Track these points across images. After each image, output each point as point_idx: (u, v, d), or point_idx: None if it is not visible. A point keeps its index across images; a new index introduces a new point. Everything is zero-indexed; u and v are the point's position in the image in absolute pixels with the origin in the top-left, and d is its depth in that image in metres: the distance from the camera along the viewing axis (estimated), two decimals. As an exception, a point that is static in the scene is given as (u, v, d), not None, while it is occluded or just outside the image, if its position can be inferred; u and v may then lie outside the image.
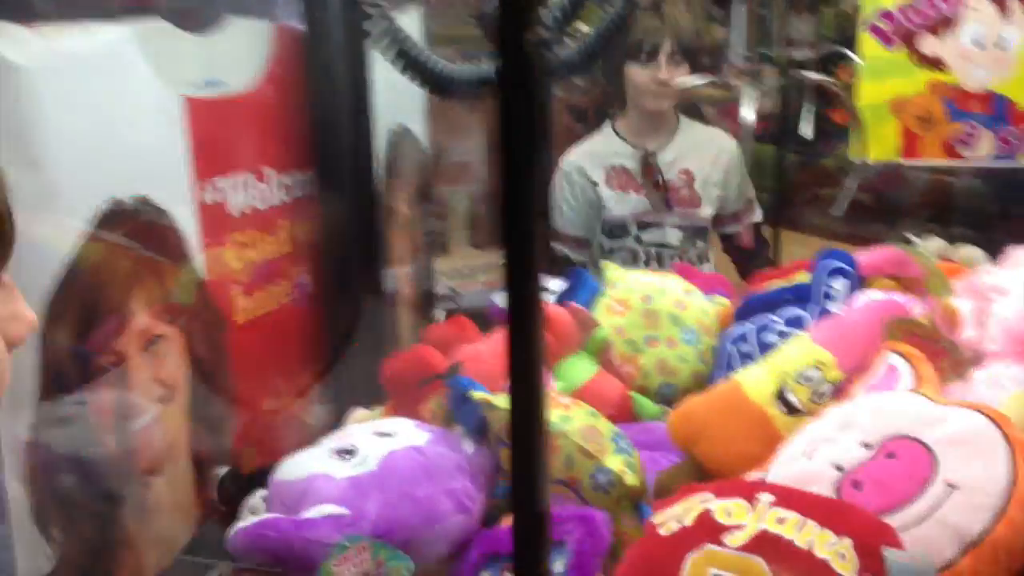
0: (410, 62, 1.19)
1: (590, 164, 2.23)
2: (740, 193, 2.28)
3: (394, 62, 1.19)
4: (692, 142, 2.24)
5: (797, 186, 2.67)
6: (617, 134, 2.26)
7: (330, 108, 1.47)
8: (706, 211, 2.23)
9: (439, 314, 2.02)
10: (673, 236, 2.22)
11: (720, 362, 1.35)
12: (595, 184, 2.22)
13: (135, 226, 1.20)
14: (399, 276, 1.88)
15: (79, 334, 1.13)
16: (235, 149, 1.37)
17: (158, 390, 1.25)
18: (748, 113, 2.08)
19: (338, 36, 1.42)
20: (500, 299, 1.75)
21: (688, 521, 0.93)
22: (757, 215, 2.33)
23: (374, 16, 1.18)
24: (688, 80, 2.10)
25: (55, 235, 1.11)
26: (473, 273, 2.85)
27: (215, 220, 1.35)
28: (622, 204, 2.21)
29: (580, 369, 1.50)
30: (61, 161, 1.08)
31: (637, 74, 2.13)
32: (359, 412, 1.48)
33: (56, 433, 1.12)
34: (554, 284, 1.79)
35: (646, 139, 2.22)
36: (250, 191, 1.40)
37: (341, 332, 1.63)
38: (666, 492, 1.08)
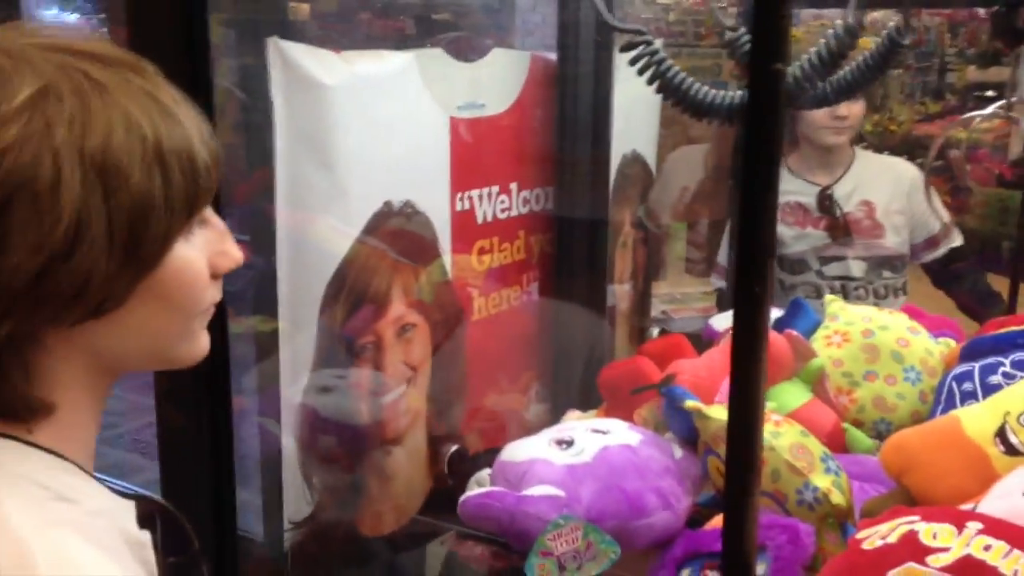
0: (670, 86, 1.28)
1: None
2: (929, 217, 2.21)
3: (655, 85, 1.29)
4: (870, 172, 2.21)
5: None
6: (791, 171, 2.25)
7: (573, 132, 1.60)
8: (891, 240, 2.18)
9: (653, 332, 2.10)
10: (857, 268, 2.20)
11: (941, 399, 1.34)
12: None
13: (399, 225, 1.38)
14: (619, 293, 1.98)
15: (347, 316, 1.32)
16: (487, 164, 1.53)
17: (405, 371, 1.42)
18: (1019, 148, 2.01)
19: (587, 65, 1.55)
20: (717, 322, 1.82)
21: (892, 539, 0.95)
22: (956, 240, 2.25)
23: (637, 41, 1.29)
24: (973, 113, 2.07)
25: (335, 236, 1.31)
26: (685, 300, 2.90)
27: (464, 226, 1.51)
28: (800, 240, 2.21)
29: (793, 395, 1.52)
30: (350, 165, 1.27)
31: (813, 111, 2.13)
32: (574, 413, 1.59)
33: (323, 399, 1.31)
34: (773, 312, 1.82)
35: (820, 174, 2.21)
36: (495, 202, 1.56)
37: (563, 339, 1.75)
38: (860, 523, 1.10)
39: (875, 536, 0.97)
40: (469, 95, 1.47)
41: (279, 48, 1.15)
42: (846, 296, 2.17)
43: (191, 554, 0.92)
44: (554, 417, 1.60)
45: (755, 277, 0.64)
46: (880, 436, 1.49)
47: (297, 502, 1.27)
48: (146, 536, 0.70)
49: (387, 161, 1.33)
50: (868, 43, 1.86)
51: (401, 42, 1.37)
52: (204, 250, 0.68)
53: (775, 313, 1.80)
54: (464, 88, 1.46)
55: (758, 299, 0.64)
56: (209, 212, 0.69)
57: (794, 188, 2.24)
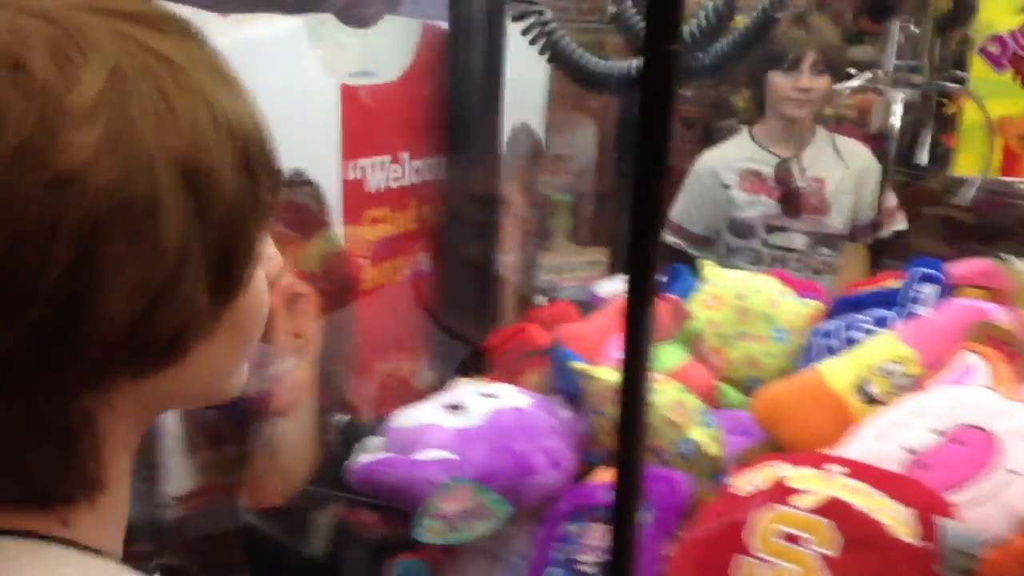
0: (562, 56, 1.31)
1: (723, 167, 2.32)
2: (876, 202, 2.32)
3: (546, 56, 1.32)
4: (826, 151, 2.31)
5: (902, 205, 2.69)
6: (754, 140, 2.34)
7: (465, 102, 1.62)
8: (835, 219, 2.29)
9: (540, 300, 2.14)
10: (799, 241, 2.30)
11: (806, 354, 1.43)
12: (727, 187, 2.30)
13: (288, 194, 1.37)
14: (507, 263, 2.02)
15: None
16: (378, 133, 1.53)
17: (294, 342, 1.41)
18: (895, 121, 2.12)
19: (478, 35, 1.57)
20: (601, 289, 1.88)
21: (762, 484, 1.02)
22: (900, 223, 2.36)
23: (528, 11, 1.31)
24: (842, 85, 2.17)
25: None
26: (571, 269, 2.97)
27: (355, 196, 1.51)
28: (752, 207, 2.29)
29: (671, 355, 1.59)
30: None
31: (779, 82, 2.21)
32: (460, 380, 1.62)
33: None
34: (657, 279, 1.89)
35: (783, 146, 2.30)
36: (386, 172, 1.56)
37: (450, 307, 1.77)
38: (731, 470, 1.17)
39: (746, 482, 1.04)
40: (360, 63, 1.46)
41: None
42: (784, 267, 2.25)
43: None
44: (443, 385, 1.62)
45: (646, 246, 0.68)
46: (751, 393, 1.58)
47: (181, 477, 1.26)
48: None
49: (275, 129, 1.31)
50: (739, 20, 1.94)
51: (287, 7, 1.35)
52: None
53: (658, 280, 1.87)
54: (355, 55, 1.45)
55: (648, 265, 0.69)
56: None
57: (755, 156, 2.31)
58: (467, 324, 1.77)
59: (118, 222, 0.44)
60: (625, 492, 0.78)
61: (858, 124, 4.36)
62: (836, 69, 2.21)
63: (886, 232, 2.37)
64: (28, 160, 0.42)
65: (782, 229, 2.29)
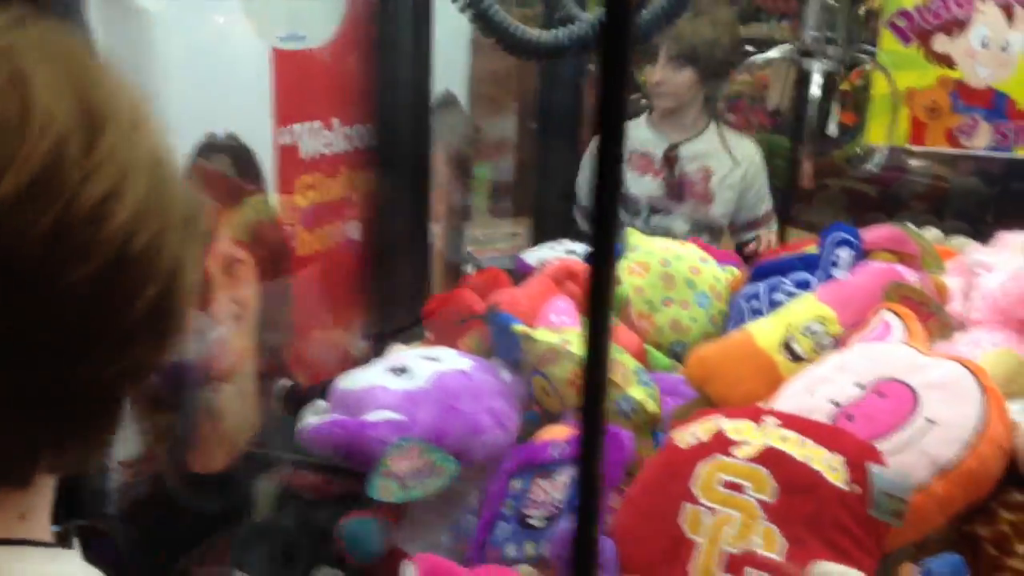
0: (492, 24, 1.32)
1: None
2: (758, 202, 2.42)
3: (477, 24, 1.33)
4: (717, 144, 2.39)
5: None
6: (648, 122, 2.42)
7: (393, 68, 1.62)
8: (717, 210, 2.39)
9: (468, 269, 2.17)
10: (679, 226, 2.38)
11: (733, 316, 1.51)
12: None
13: (225, 158, 1.35)
14: (436, 232, 2.03)
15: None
16: (310, 98, 1.51)
17: (233, 308, 1.39)
18: (815, 90, 2.20)
19: (406, 5, 1.57)
20: (529, 257, 1.92)
21: (703, 436, 1.08)
22: (772, 227, 2.46)
23: None
24: (761, 56, 2.23)
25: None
26: (491, 241, 3.00)
27: (288, 161, 1.49)
28: (638, 185, 2.37)
29: (602, 321, 1.65)
30: (171, 93, 1.23)
31: (647, 72, 2.30)
32: (397, 346, 1.64)
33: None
34: (579, 247, 1.95)
35: (670, 133, 2.38)
36: (319, 138, 1.55)
37: (383, 274, 1.78)
38: (680, 423, 1.23)
39: (688, 435, 1.10)
40: (290, 26, 1.44)
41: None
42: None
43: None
44: (377, 352, 1.64)
45: (607, 208, 0.71)
46: (676, 356, 1.65)
47: (126, 444, 1.24)
48: None
49: (208, 92, 1.29)
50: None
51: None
52: None
53: (583, 248, 1.93)
54: (284, 18, 1.44)
55: (609, 232, 0.72)
56: None
57: (647, 138, 2.38)
58: (399, 291, 1.79)
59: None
60: (590, 447, 0.82)
61: (755, 101, 4.53)
62: (703, 64, 2.28)
63: (754, 234, 2.44)
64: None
65: (665, 212, 2.38)
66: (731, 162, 2.38)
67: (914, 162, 2.84)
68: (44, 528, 0.57)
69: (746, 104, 4.56)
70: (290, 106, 1.47)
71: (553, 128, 2.52)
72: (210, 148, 1.31)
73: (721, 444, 1.06)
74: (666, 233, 2.37)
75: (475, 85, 2.20)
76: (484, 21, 1.46)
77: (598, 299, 0.78)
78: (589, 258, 0.75)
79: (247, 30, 1.35)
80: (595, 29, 1.46)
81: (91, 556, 0.59)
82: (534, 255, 1.94)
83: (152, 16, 1.16)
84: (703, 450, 1.06)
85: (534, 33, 1.36)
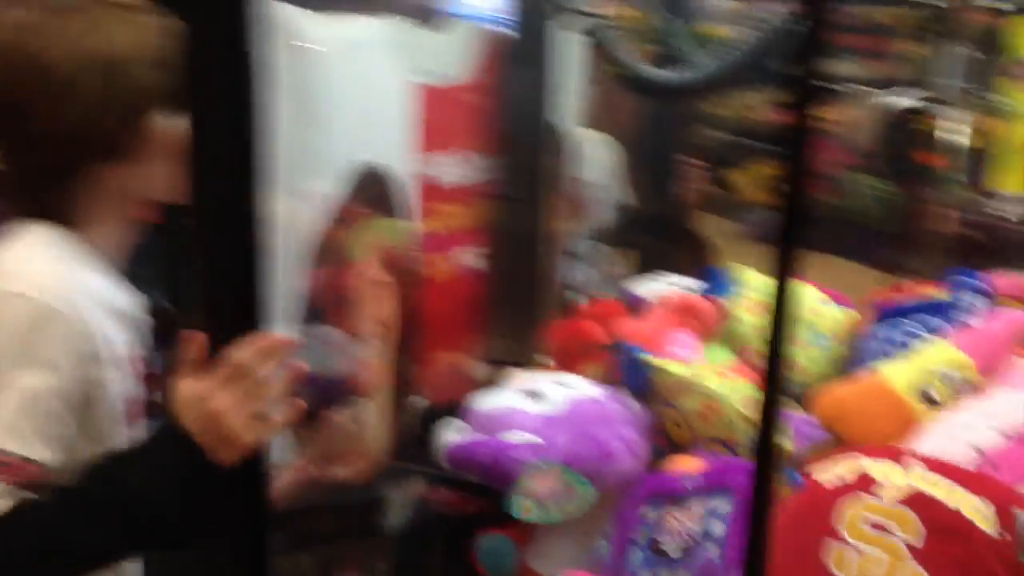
0: (617, 65, 1.38)
1: None
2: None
3: (607, 64, 1.39)
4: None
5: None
6: None
7: (521, 104, 1.68)
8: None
9: (581, 299, 2.22)
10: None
11: (857, 357, 1.52)
12: None
13: (376, 186, 1.43)
14: (550, 262, 2.09)
15: (326, 274, 1.36)
16: (448, 130, 1.59)
17: (377, 328, 1.47)
18: (964, 140, 2.18)
19: (538, 41, 1.64)
20: (639, 289, 1.96)
21: (847, 476, 1.11)
22: None
23: (591, 23, 1.39)
24: (911, 101, 2.24)
25: (317, 195, 1.34)
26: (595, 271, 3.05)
27: (426, 189, 1.57)
28: None
29: (718, 355, 1.68)
30: (331, 125, 1.31)
31: None
32: (516, 372, 1.69)
33: (304, 351, 1.34)
34: (687, 281, 1.98)
35: None
36: (455, 168, 1.62)
37: (504, 301, 1.84)
38: (810, 461, 1.26)
39: (831, 475, 1.13)
40: (433, 63, 1.52)
41: (274, 9, 1.17)
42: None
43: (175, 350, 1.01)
44: (497, 376, 1.69)
45: (790, 248, 0.76)
46: (793, 396, 1.67)
47: (283, 449, 1.31)
48: (144, 320, 0.99)
49: (361, 123, 1.37)
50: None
51: (373, 8, 1.41)
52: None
53: (691, 283, 1.96)
54: (429, 56, 1.52)
55: (792, 262, 0.76)
56: None
57: None
58: (518, 317, 1.84)
59: (38, 85, 0.93)
60: (762, 483, 0.86)
61: (839, 138, 4.50)
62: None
63: None
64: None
65: None
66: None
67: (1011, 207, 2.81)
68: None
69: (832, 143, 4.54)
70: (430, 138, 1.55)
71: (656, 162, 2.57)
72: (363, 177, 1.39)
73: (866, 484, 1.08)
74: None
75: (586, 118, 2.26)
76: (610, 61, 1.52)
77: (777, 335, 0.82)
78: (709, 291, 0.79)
79: (397, 66, 1.43)
80: (724, 71, 1.51)
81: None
82: (643, 287, 1.98)
83: (322, 57, 1.25)
84: (847, 489, 1.09)
85: (662, 74, 1.42)
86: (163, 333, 1.04)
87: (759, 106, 4.28)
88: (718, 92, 1.52)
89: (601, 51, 1.47)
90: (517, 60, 1.71)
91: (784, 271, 0.80)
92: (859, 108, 3.58)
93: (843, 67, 4.16)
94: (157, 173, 0.97)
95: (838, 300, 1.83)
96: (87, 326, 0.90)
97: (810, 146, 0.78)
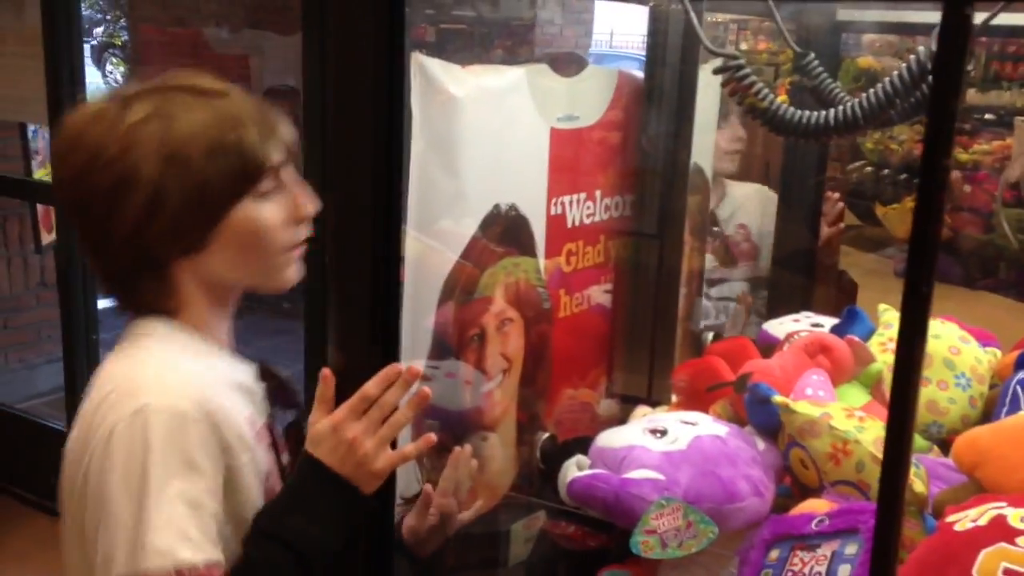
0: (759, 107, 1.39)
1: None
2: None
3: (741, 104, 1.40)
4: (742, 197, 2.34)
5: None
6: None
7: (655, 144, 1.71)
8: (765, 260, 2.31)
9: (707, 335, 2.21)
10: (738, 288, 2.32)
11: (1005, 399, 1.45)
12: None
13: (505, 226, 1.49)
14: (679, 299, 2.09)
15: (458, 310, 1.43)
16: (578, 172, 1.64)
17: (502, 363, 1.52)
18: None
19: (671, 83, 1.66)
20: (771, 328, 1.93)
21: (983, 522, 1.06)
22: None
23: (730, 66, 1.40)
24: None
25: (452, 236, 1.41)
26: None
27: (555, 230, 1.62)
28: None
29: (853, 396, 1.63)
30: (470, 171, 1.38)
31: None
32: (643, 408, 1.70)
33: (434, 386, 1.41)
34: (825, 319, 1.94)
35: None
36: (583, 208, 1.67)
37: (632, 338, 1.86)
38: (946, 508, 1.21)
39: (965, 520, 1.08)
40: (566, 108, 1.58)
41: (419, 62, 1.26)
42: (727, 316, 2.27)
43: (296, 410, 1.14)
44: (623, 412, 1.71)
45: (924, 277, 0.74)
46: (931, 438, 1.61)
47: (408, 479, 1.37)
48: (259, 386, 1.05)
49: (498, 167, 1.43)
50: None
51: (507, 58, 1.47)
52: (279, 204, 1.00)
53: (829, 320, 1.92)
54: (562, 101, 1.57)
55: (925, 298, 0.75)
56: (285, 174, 1.01)
57: None
58: (646, 355, 1.85)
59: (124, 189, 0.97)
60: (887, 527, 0.84)
61: (994, 172, 4.28)
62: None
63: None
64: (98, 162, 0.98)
65: (722, 281, 2.30)
66: (760, 210, 2.33)
67: None
68: None
69: (986, 176, 4.32)
70: (561, 180, 1.60)
71: (791, 200, 2.53)
72: (494, 217, 1.45)
73: (1003, 531, 1.03)
74: (728, 300, 2.32)
75: (719, 157, 2.26)
76: (751, 103, 1.52)
77: (905, 375, 0.81)
78: (901, 331, 0.78)
79: (532, 112, 1.49)
80: (863, 111, 1.48)
81: None
82: (779, 326, 1.95)
83: (459, 101, 1.32)
84: (984, 535, 1.04)
85: (800, 114, 1.41)
86: (278, 394, 1.10)
87: (909, 140, 4.13)
88: (856, 130, 1.48)
89: (738, 89, 1.48)
90: (654, 100, 1.75)
91: (912, 307, 0.79)
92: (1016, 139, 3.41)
93: (1004, 97, 3.95)
94: (243, 258, 1.00)
95: (982, 338, 1.75)
96: (215, 416, 0.93)
97: (942, 181, 0.77)
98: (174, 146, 0.94)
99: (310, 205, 1.02)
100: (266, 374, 1.08)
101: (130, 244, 0.96)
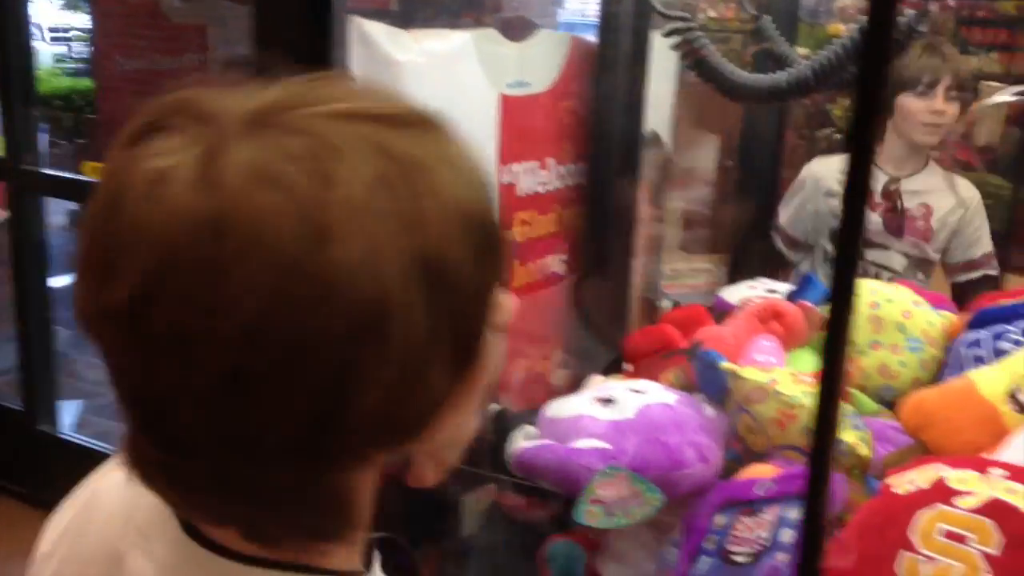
0: (708, 70, 1.37)
1: (831, 176, 2.35)
2: (974, 244, 2.31)
3: (692, 68, 1.38)
4: (937, 181, 2.31)
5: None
6: None
7: (609, 112, 1.69)
8: (935, 247, 2.30)
9: (664, 304, 2.20)
10: (897, 261, 2.30)
11: (953, 362, 1.46)
12: (831, 195, 2.33)
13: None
14: (634, 267, 2.08)
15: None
16: (529, 140, 1.61)
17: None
18: None
19: (624, 48, 1.64)
20: (728, 294, 1.93)
21: (923, 484, 1.06)
22: (993, 269, 2.34)
23: (681, 28, 1.38)
24: (1000, 97, 2.17)
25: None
26: (678, 276, 3.01)
27: (506, 199, 1.59)
28: None
29: (806, 361, 1.63)
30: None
31: (911, 105, 2.22)
32: (597, 378, 1.69)
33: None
34: (780, 285, 1.94)
35: (896, 167, 2.31)
36: (535, 177, 1.64)
37: (586, 307, 1.85)
38: (895, 469, 1.21)
39: (906, 482, 1.08)
40: (517, 74, 1.55)
41: (360, 27, 1.22)
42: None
43: None
44: (577, 382, 1.70)
45: (852, 243, 0.73)
46: (883, 401, 1.61)
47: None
48: None
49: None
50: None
51: (453, 21, 1.44)
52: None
53: (785, 287, 1.92)
54: (512, 67, 1.54)
55: (852, 265, 0.74)
56: None
57: None
58: (600, 323, 1.84)
59: (373, 330, 0.48)
60: (816, 488, 0.83)
61: (963, 139, 4.31)
62: (965, 96, 2.21)
63: (977, 275, 2.33)
64: (295, 276, 0.46)
65: (883, 247, 2.30)
66: (953, 200, 2.29)
67: None
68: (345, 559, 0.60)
69: (958, 144, 4.35)
70: (512, 147, 1.57)
71: (751, 165, 2.52)
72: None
73: (943, 493, 1.04)
74: (882, 267, 2.31)
75: (677, 124, 2.25)
76: (701, 65, 1.51)
77: (835, 337, 0.80)
78: (832, 294, 0.77)
79: (481, 78, 1.46)
80: (815, 72, 1.47)
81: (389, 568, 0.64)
82: (735, 293, 1.95)
83: (403, 66, 1.29)
84: (923, 498, 1.04)
85: (751, 77, 1.39)
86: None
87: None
88: (807, 92, 1.47)
89: (688, 51, 1.46)
90: (607, 65, 1.72)
91: (844, 270, 0.78)
92: (986, 105, 3.42)
93: (971, 63, 3.96)
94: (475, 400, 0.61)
95: (936, 302, 1.76)
96: None
97: (869, 147, 0.75)
98: (429, 244, 0.50)
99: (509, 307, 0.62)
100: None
101: (357, 424, 0.50)
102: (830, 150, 2.67)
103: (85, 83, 6.42)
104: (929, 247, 2.30)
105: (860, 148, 0.75)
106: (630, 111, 1.72)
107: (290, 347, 0.47)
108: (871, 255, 2.30)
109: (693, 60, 1.46)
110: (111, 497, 0.65)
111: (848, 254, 0.77)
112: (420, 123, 0.55)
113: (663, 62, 1.80)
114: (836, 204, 2.33)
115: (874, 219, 2.30)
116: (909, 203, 2.29)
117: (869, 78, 0.73)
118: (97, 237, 0.50)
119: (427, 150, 0.53)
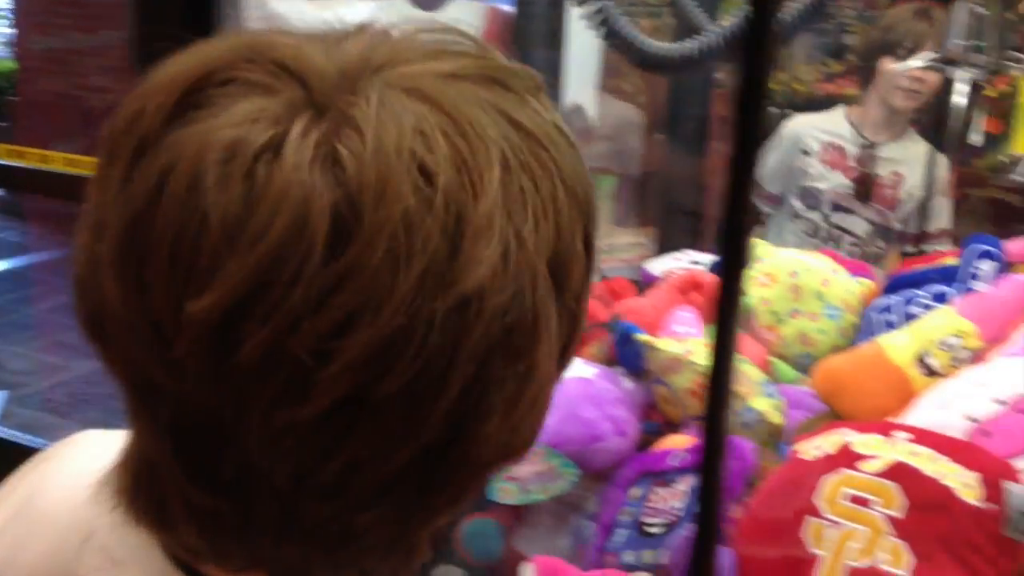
0: (620, 39, 1.35)
1: (808, 134, 2.34)
2: (935, 217, 2.33)
3: (605, 38, 1.36)
4: (913, 153, 2.31)
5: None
6: (847, 119, 2.34)
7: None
8: (899, 216, 2.31)
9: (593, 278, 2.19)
10: (860, 227, 2.31)
11: (865, 328, 1.47)
12: (806, 153, 2.32)
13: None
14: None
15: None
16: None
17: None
18: (960, 99, 2.10)
19: (541, 19, 1.61)
20: (653, 267, 1.92)
21: (829, 449, 1.07)
22: (944, 245, 2.31)
23: None
24: (903, 65, 2.15)
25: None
26: (612, 250, 3.00)
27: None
28: (825, 179, 2.31)
29: (726, 332, 1.64)
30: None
31: (893, 70, 2.21)
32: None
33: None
34: (704, 257, 1.93)
35: (873, 132, 2.30)
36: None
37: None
38: (806, 436, 1.21)
39: (812, 448, 1.09)
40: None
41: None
42: (837, 246, 2.26)
43: None
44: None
45: (740, 212, 0.72)
46: (803, 369, 1.62)
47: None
48: None
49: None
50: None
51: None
52: None
53: (709, 258, 1.91)
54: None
55: (743, 233, 0.72)
56: None
57: (843, 133, 2.31)
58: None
59: (507, 343, 0.40)
60: (712, 457, 0.82)
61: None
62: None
63: (928, 249, 2.31)
64: (433, 283, 0.38)
65: (847, 210, 2.31)
66: (923, 174, 2.29)
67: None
68: None
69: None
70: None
71: (680, 138, 2.52)
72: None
73: (848, 458, 1.04)
74: (844, 231, 2.31)
75: (600, 95, 2.23)
76: (613, 36, 1.48)
77: (726, 307, 0.78)
78: (717, 266, 0.76)
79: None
80: (726, 40, 1.46)
81: None
82: (659, 265, 1.94)
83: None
84: (829, 463, 1.05)
85: (662, 46, 1.37)
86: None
87: (814, 79, 4.19)
88: (720, 59, 1.46)
89: (602, 24, 1.43)
90: (523, 37, 1.69)
91: (732, 237, 0.76)
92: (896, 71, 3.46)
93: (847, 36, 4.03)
94: None
95: (855, 269, 1.77)
96: None
97: (757, 120, 0.74)
98: (561, 240, 0.43)
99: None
100: None
101: (476, 455, 0.43)
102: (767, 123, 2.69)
103: (8, 64, 6.20)
104: (893, 216, 2.32)
105: (746, 129, 0.73)
106: (548, 84, 1.69)
107: (417, 367, 0.38)
108: (835, 218, 2.31)
109: (605, 31, 1.44)
110: (59, 509, 0.55)
111: (734, 222, 0.76)
112: (524, 84, 0.46)
113: (586, 34, 1.76)
114: (810, 162, 2.34)
115: (844, 182, 2.31)
116: (882, 170, 2.30)
117: (755, 41, 0.72)
118: (163, 230, 0.38)
119: (543, 117, 0.45)
